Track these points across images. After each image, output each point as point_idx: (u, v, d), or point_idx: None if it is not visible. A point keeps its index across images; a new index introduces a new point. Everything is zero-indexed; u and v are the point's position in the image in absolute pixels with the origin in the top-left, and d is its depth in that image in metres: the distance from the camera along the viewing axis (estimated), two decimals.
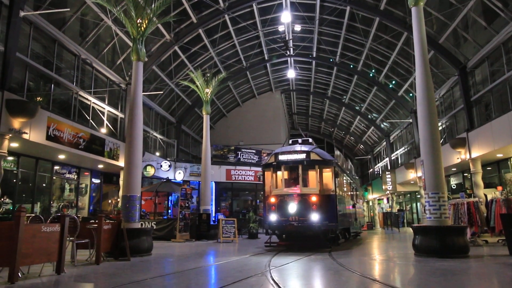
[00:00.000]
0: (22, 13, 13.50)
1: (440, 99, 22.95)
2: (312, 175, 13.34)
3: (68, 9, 16.27)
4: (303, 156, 12.99)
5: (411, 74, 23.12)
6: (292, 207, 12.21)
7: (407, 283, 6.84)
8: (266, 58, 30.10)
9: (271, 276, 6.72)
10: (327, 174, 13.19)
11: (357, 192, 23.12)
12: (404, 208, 35.45)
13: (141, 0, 12.93)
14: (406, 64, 23.36)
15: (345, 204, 15.02)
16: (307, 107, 42.49)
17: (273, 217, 12.42)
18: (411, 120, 26.87)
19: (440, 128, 21.50)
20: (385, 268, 8.72)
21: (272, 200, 12.67)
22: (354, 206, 18.61)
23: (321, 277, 7.30)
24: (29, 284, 6.30)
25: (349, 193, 17.81)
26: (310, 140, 14.74)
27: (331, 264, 8.83)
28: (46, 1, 15.35)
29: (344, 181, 16.19)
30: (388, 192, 32.68)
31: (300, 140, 14.51)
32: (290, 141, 14.86)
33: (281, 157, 13.10)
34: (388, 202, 36.48)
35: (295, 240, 13.40)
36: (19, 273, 6.52)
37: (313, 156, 12.92)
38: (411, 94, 25.78)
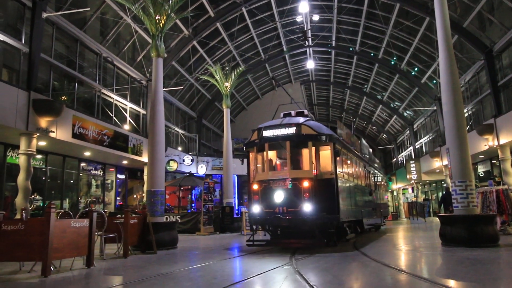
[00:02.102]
0: (44, 15, 13.82)
1: (465, 84, 22.29)
2: (305, 154, 10.53)
3: (88, 9, 16.55)
4: (292, 130, 10.14)
5: (435, 60, 22.50)
6: (279, 196, 9.66)
7: (434, 273, 6.72)
8: (285, 49, 29.88)
9: None
10: (325, 153, 10.51)
11: (377, 178, 19.58)
12: (430, 198, 34.77)
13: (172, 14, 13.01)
14: (429, 50, 22.76)
15: (353, 191, 12.35)
16: (327, 97, 42.04)
17: (255, 209, 9.94)
18: (435, 108, 26.23)
19: (466, 114, 20.90)
20: (411, 259, 8.60)
21: (255, 187, 10.11)
22: (371, 193, 15.67)
23: (344, 271, 7.26)
24: (61, 278, 6.51)
25: (362, 177, 14.81)
26: (306, 112, 11.78)
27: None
28: (67, 2, 15.66)
29: (353, 163, 13.13)
30: (412, 181, 32.14)
31: (293, 113, 11.64)
32: (282, 115, 11.82)
33: (265, 133, 10.36)
34: (413, 191, 35.89)
35: (292, 237, 10.47)
36: (51, 267, 6.75)
37: (305, 130, 10.08)
38: (434, 81, 25.13)
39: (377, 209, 17.00)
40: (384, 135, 43.66)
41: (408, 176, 31.87)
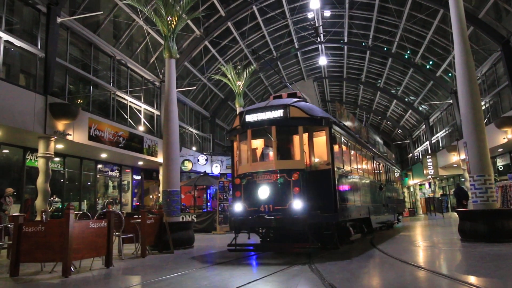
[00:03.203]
0: (59, 20, 14.05)
1: (482, 77, 21.84)
2: (295, 141, 8.88)
3: (101, 12, 16.76)
4: (278, 113, 8.62)
5: (450, 53, 22.11)
6: (264, 191, 8.24)
7: (454, 269, 6.62)
8: (297, 46, 29.76)
9: None
10: (320, 139, 8.96)
11: (390, 171, 17.72)
12: (448, 193, 34.24)
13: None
14: (444, 43, 22.36)
15: (358, 185, 10.79)
16: (340, 93, 41.75)
17: (237, 207, 8.53)
18: (451, 101, 25.79)
19: (483, 107, 20.51)
20: (430, 255, 8.48)
21: (237, 182, 8.73)
22: (381, 188, 13.93)
23: (363, 265, 7.21)
24: (82, 278, 6.63)
25: (370, 170, 13.25)
26: (299, 94, 10.07)
27: None
28: (80, 6, 15.89)
29: (357, 153, 11.55)
30: (429, 176, 31.70)
31: (284, 95, 10.04)
32: (271, 98, 10.24)
33: (248, 118, 8.87)
34: (430, 187, 35.40)
35: (287, 240, 9.17)
36: (71, 268, 6.88)
37: (295, 112, 8.53)
38: (450, 74, 24.70)
39: (389, 205, 15.39)
40: (399, 130, 43.14)
41: (424, 171, 31.44)
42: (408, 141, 41.59)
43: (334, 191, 8.36)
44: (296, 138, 8.78)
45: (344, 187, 9.40)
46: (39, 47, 13.83)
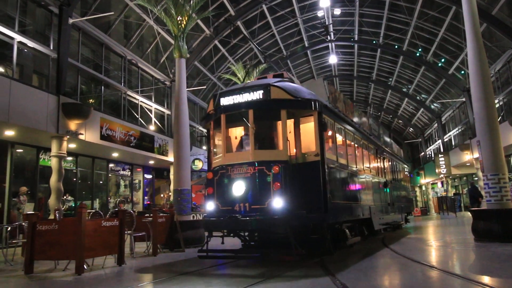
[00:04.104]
0: (71, 20, 14.21)
1: (495, 74, 21.51)
2: (277, 128, 7.72)
3: (112, 13, 16.89)
4: (257, 94, 7.41)
5: (462, 50, 21.82)
6: (239, 188, 7.07)
7: (467, 269, 6.54)
8: (307, 45, 29.65)
9: None
10: (308, 126, 7.73)
11: (396, 167, 16.14)
12: (461, 192, 33.82)
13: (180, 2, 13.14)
14: (456, 40, 22.08)
15: (356, 181, 9.53)
16: (351, 92, 41.48)
17: (209, 206, 7.39)
18: (464, 99, 25.46)
19: (497, 105, 20.18)
20: (443, 255, 8.39)
21: (209, 176, 7.58)
22: (386, 185, 12.61)
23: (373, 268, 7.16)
24: (94, 275, 6.70)
25: (373, 164, 11.84)
26: (287, 75, 8.74)
27: None
28: (91, 7, 16.06)
29: (356, 144, 10.13)
30: (442, 175, 31.34)
31: (270, 76, 8.74)
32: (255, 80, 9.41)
33: (223, 101, 7.71)
34: (442, 186, 35.02)
35: (272, 244, 7.83)
36: (84, 265, 6.96)
37: (277, 94, 7.34)
38: (463, 72, 24.38)
39: (395, 204, 13.96)
40: (411, 128, 42.73)
41: (437, 170, 31.10)
42: (420, 139, 41.17)
43: (324, 187, 7.15)
44: (278, 124, 7.52)
45: (338, 183, 8.20)
46: (51, 48, 14.01)
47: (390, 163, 14.64)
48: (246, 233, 8.37)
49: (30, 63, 14.20)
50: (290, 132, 7.55)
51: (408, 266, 6.67)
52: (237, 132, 8.31)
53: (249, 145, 7.42)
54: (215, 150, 8.15)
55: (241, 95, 7.57)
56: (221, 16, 22.70)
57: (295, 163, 7.37)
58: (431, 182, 38.76)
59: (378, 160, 12.61)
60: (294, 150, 7.54)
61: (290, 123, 7.60)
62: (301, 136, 7.68)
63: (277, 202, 6.71)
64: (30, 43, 13.30)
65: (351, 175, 9.16)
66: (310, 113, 7.61)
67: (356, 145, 10.14)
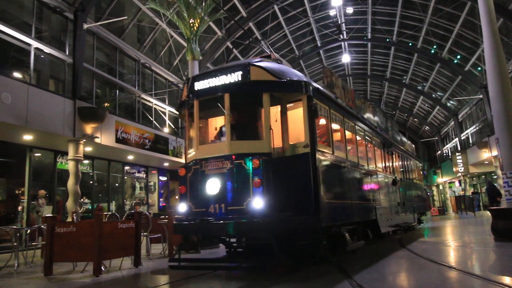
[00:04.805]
0: (85, 26, 14.45)
1: None
2: (258, 115, 6.55)
3: (126, 17, 17.12)
4: (235, 76, 6.36)
5: (479, 46, 21.42)
6: (213, 186, 6.09)
7: (487, 269, 6.39)
8: (319, 45, 29.51)
9: None
10: (296, 113, 6.61)
11: (408, 163, 14.98)
12: (479, 191, 33.18)
13: (192, 0, 13.25)
14: (472, 36, 21.69)
15: (357, 178, 8.42)
16: (365, 91, 41.13)
17: (182, 208, 6.47)
18: (481, 96, 24.98)
19: None
20: (462, 255, 8.23)
21: (182, 172, 6.61)
22: (395, 182, 11.46)
23: (393, 264, 7.07)
24: (112, 277, 6.78)
25: (379, 160, 10.67)
26: (272, 54, 7.77)
27: None
28: (105, 12, 16.29)
29: (356, 135, 8.88)
30: (459, 174, 30.81)
31: (257, 58, 7.43)
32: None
33: (198, 85, 6.65)
34: (460, 185, 34.43)
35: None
36: (102, 267, 7.05)
37: (258, 75, 6.29)
38: (479, 68, 23.92)
39: (406, 204, 12.79)
40: (427, 127, 42.12)
41: (454, 169, 30.58)
42: (436, 138, 40.55)
43: (314, 184, 6.09)
44: (259, 111, 6.39)
45: (334, 179, 7.14)
46: (67, 53, 14.25)
47: (400, 159, 13.46)
48: (232, 239, 7.24)
49: (47, 68, 14.48)
50: (276, 121, 6.57)
51: (425, 267, 6.56)
52: (217, 123, 7.27)
53: (225, 136, 6.34)
54: (189, 142, 7.08)
55: (217, 77, 6.49)
56: (233, 17, 22.77)
57: (281, 156, 6.36)
58: (449, 181, 38.15)
59: (386, 155, 11.41)
60: (278, 141, 6.43)
61: (276, 110, 6.61)
62: (289, 125, 6.56)
63: (257, 202, 5.66)
64: (47, 49, 13.56)
65: (351, 171, 8.03)
66: (298, 98, 6.46)
67: (358, 137, 8.94)
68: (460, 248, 9.10)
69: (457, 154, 30.51)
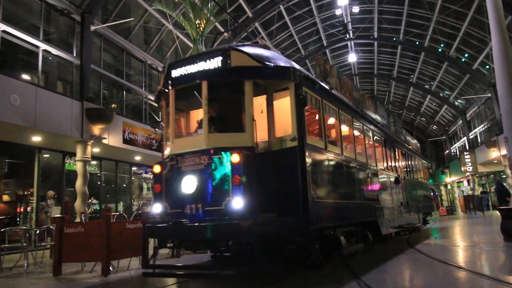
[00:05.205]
0: (92, 28, 14.54)
1: None
2: (239, 105, 5.95)
3: (132, 19, 17.20)
4: (214, 62, 5.82)
5: (487, 45, 21.21)
6: (189, 184, 5.56)
7: (497, 269, 6.33)
8: (325, 44, 29.44)
9: None
10: (282, 102, 6.03)
11: (412, 161, 14.27)
12: (488, 190, 32.87)
13: (198, 1, 13.28)
14: (480, 34, 21.49)
15: (353, 175, 7.72)
16: (371, 90, 40.93)
17: (156, 208, 5.91)
18: (489, 95, 24.75)
19: None
20: (471, 255, 8.16)
21: (156, 170, 6.01)
22: (397, 181, 10.75)
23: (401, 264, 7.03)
24: (120, 277, 6.82)
25: (380, 157, 9.97)
26: (260, 40, 7.34)
27: None
28: (112, 13, 16.40)
29: (353, 130, 8.22)
30: (468, 173, 30.55)
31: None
32: None
33: (174, 73, 6.11)
34: (469, 184, 34.15)
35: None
36: (110, 267, 7.10)
37: (239, 60, 5.77)
38: (488, 66, 23.71)
39: (410, 204, 12.15)
40: (434, 126, 41.82)
41: (462, 168, 30.33)
42: (444, 137, 40.25)
43: (303, 182, 5.54)
44: (241, 100, 5.80)
45: (327, 176, 6.47)
46: (74, 55, 14.37)
47: (403, 156, 12.74)
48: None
49: (55, 70, 14.60)
50: (262, 112, 6.01)
51: (434, 267, 6.52)
52: (199, 115, 6.55)
53: (203, 128, 5.77)
54: (165, 135, 6.46)
55: (195, 64, 5.93)
56: (239, 18, 22.79)
57: (267, 150, 5.80)
58: (457, 181, 37.84)
59: (388, 152, 10.72)
60: (263, 133, 5.87)
61: (261, 100, 6.04)
62: (275, 116, 5.98)
63: (237, 202, 5.11)
64: (54, 51, 13.67)
65: (347, 167, 7.42)
66: (285, 86, 5.87)
67: (355, 132, 8.36)
68: (469, 248, 9.03)
69: (465, 153, 30.26)
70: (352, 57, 30.72)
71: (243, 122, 5.73)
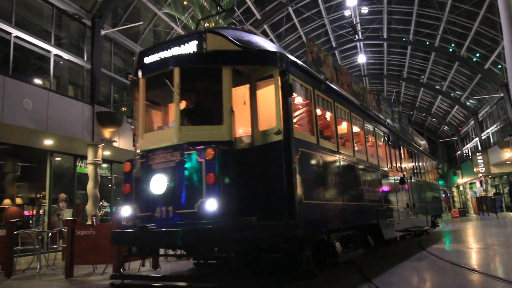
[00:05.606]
0: (103, 32, 14.70)
1: None
2: (216, 94, 5.24)
3: (142, 23, 17.35)
4: (189, 46, 5.25)
5: (498, 44, 20.96)
6: (159, 184, 4.98)
7: (511, 272, 6.22)
8: (334, 45, 29.34)
9: None
10: (267, 92, 5.33)
11: (419, 160, 13.45)
12: (502, 191, 32.37)
13: (207, 4, 13.35)
14: (492, 34, 21.23)
15: (351, 174, 7.06)
16: (381, 91, 40.74)
17: (125, 211, 5.39)
18: (502, 94, 24.42)
19: None
20: (484, 257, 8.03)
21: (126, 168, 5.56)
22: (403, 181, 10.01)
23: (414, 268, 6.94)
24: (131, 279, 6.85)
25: (383, 155, 9.22)
26: (245, 26, 6.99)
27: None
28: (122, 18, 16.57)
29: (351, 124, 7.44)
30: (480, 174, 30.12)
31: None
32: None
33: (147, 60, 5.58)
34: (481, 185, 33.67)
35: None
36: (121, 269, 7.12)
37: (216, 43, 5.17)
38: (500, 66, 23.39)
39: (416, 206, 11.42)
40: (446, 127, 41.37)
41: (475, 169, 29.90)
42: (456, 138, 39.77)
43: (288, 181, 4.90)
44: (218, 89, 5.12)
45: (319, 175, 5.82)
46: (85, 59, 14.54)
47: (410, 155, 12.01)
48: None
49: (66, 74, 14.80)
50: (245, 104, 5.36)
51: (446, 270, 6.43)
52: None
53: (174, 120, 5.15)
54: (137, 129, 5.76)
55: (169, 50, 5.37)
56: (247, 20, 22.84)
57: (249, 146, 5.17)
58: (469, 182, 37.34)
59: (392, 150, 9.95)
60: (244, 126, 5.32)
61: (244, 90, 5.39)
62: (259, 107, 5.32)
63: (211, 204, 4.51)
64: (65, 56, 13.85)
65: (344, 166, 6.71)
66: (269, 73, 5.22)
67: (354, 127, 7.64)
68: (482, 251, 8.89)
69: (477, 154, 29.85)
70: (361, 58, 30.56)
71: (221, 114, 5.06)
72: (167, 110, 6.05)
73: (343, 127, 7.31)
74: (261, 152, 5.11)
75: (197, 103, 5.63)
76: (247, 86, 5.40)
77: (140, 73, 5.49)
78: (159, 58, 5.42)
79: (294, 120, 5.55)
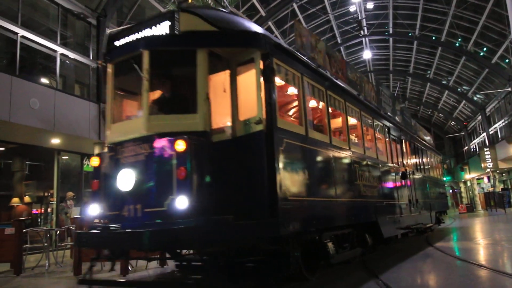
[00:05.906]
0: (108, 31, 14.75)
1: None
2: (189, 79, 4.70)
3: None
4: (161, 28, 4.78)
5: (506, 38, 20.76)
6: (127, 180, 4.48)
7: None
8: (339, 41, 29.22)
9: None
10: (247, 77, 4.80)
11: (423, 155, 12.89)
12: (510, 187, 32.13)
13: (211, 2, 13.34)
14: (499, 27, 21.01)
15: (343, 168, 6.38)
16: (387, 87, 40.52)
17: (93, 210, 4.85)
18: (509, 89, 24.18)
19: None
20: (492, 253, 7.98)
21: (94, 163, 5.01)
22: (404, 176, 9.39)
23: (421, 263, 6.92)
24: (139, 276, 6.92)
25: (382, 148, 8.64)
26: (231, 9, 6.37)
27: None
28: (127, 17, 16.63)
29: (347, 115, 6.85)
30: (488, 170, 29.90)
31: None
32: None
33: (117, 43, 5.14)
34: (489, 181, 33.41)
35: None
36: (129, 267, 7.19)
37: (190, 24, 4.67)
38: (507, 60, 23.18)
39: (420, 202, 10.87)
40: (453, 122, 41.08)
41: (482, 165, 29.68)
42: (463, 133, 39.49)
43: (270, 175, 4.37)
44: (192, 73, 4.60)
45: (307, 169, 5.20)
46: (91, 58, 14.61)
47: (412, 149, 11.46)
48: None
49: (72, 73, 14.88)
50: (225, 91, 4.85)
51: (454, 265, 6.40)
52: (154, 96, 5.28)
53: (143, 108, 4.60)
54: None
55: (140, 32, 4.89)
56: (252, 17, 22.81)
57: (229, 138, 4.67)
58: (477, 177, 37.08)
59: (392, 143, 9.38)
60: (221, 116, 4.80)
61: (223, 76, 4.89)
62: (239, 95, 4.81)
63: (182, 202, 4.03)
64: (72, 55, 13.93)
65: (337, 159, 6.12)
66: (250, 56, 4.69)
67: (350, 118, 7.03)
68: (490, 246, 8.84)
69: (485, 149, 29.62)
70: (367, 54, 30.42)
71: (195, 101, 4.55)
72: (139, 99, 5.13)
73: (337, 118, 6.80)
74: (241, 143, 4.59)
75: (169, 89, 5.09)
76: (227, 72, 4.88)
77: (109, 58, 5.05)
78: (128, 41, 4.95)
79: (279, 109, 5.03)
